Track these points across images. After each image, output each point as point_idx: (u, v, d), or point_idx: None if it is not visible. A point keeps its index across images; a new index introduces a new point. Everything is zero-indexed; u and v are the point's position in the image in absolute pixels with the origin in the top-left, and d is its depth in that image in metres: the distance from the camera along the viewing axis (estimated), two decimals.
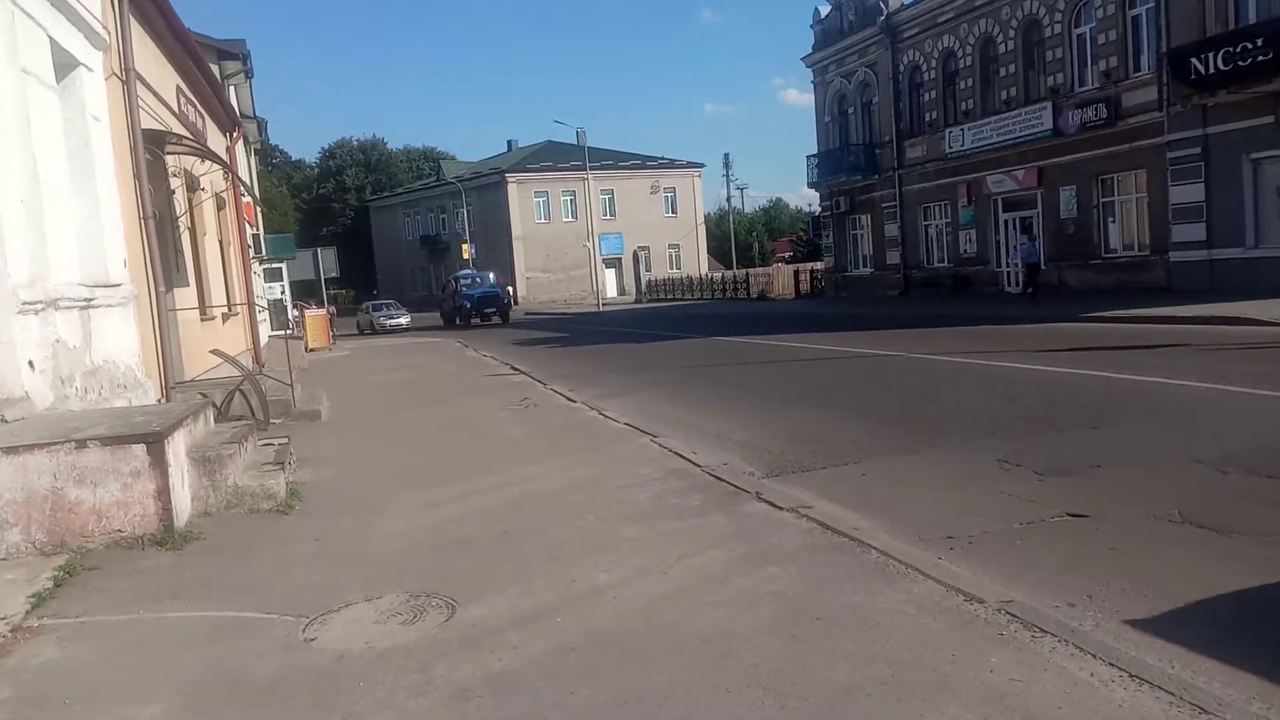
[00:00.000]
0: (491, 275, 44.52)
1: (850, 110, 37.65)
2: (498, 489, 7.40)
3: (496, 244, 65.58)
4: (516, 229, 65.98)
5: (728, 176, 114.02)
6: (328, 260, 28.53)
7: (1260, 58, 19.21)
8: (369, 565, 5.48)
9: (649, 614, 4.40)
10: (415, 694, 3.71)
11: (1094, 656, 3.57)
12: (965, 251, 31.85)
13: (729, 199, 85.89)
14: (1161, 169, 23.53)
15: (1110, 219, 26.36)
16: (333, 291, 63.09)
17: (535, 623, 4.37)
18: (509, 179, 66.60)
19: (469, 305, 40.78)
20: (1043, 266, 26.96)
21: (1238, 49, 19.81)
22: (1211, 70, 20.45)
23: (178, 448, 6.42)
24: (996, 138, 29.03)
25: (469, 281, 42.88)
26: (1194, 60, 20.88)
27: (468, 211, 66.58)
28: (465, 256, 56.67)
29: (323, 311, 29.48)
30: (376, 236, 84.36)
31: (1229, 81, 20.22)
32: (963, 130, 30.56)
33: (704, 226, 75.25)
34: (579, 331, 30.84)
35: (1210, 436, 7.50)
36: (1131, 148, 24.53)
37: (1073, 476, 6.61)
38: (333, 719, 3.56)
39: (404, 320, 44.44)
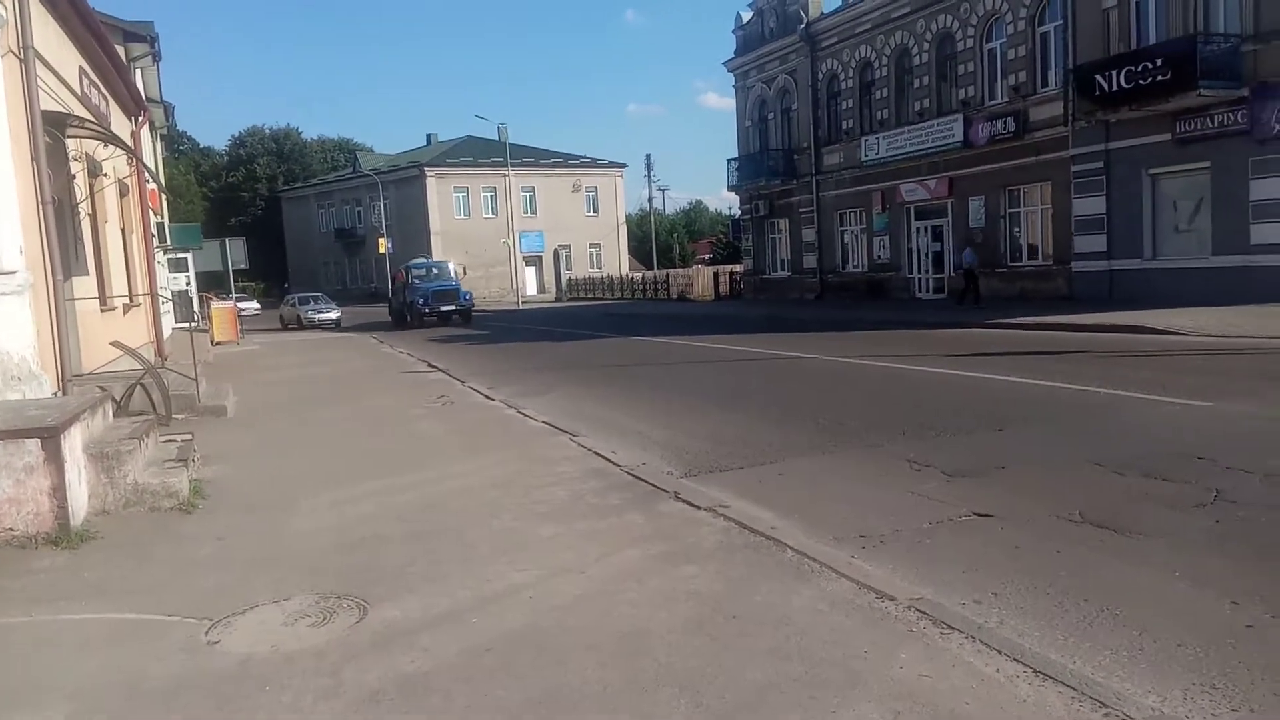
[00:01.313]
0: (452, 266, 36.97)
1: (770, 115, 38.15)
2: (412, 488, 7.28)
3: (414, 239, 64.50)
4: (435, 224, 65.03)
5: (649, 177, 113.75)
6: (236, 251, 27.72)
7: (1160, 77, 20.10)
8: (276, 566, 5.33)
9: (565, 613, 4.37)
10: (324, 697, 3.61)
11: (999, 652, 3.68)
12: (879, 257, 32.56)
13: (650, 200, 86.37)
14: (1066, 182, 24.42)
15: (1016, 229, 27.25)
16: (242, 284, 61.33)
17: (449, 623, 4.31)
18: (428, 173, 65.65)
19: (422, 302, 33.31)
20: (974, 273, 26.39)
21: (1139, 68, 20.68)
22: (1114, 88, 21.30)
23: (74, 443, 6.14)
24: (910, 147, 29.75)
25: (422, 273, 35.88)
26: (1098, 77, 21.73)
27: (385, 205, 65.37)
28: (381, 251, 55.62)
29: (230, 304, 28.58)
30: (289, 228, 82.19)
31: (1130, 99, 21.09)
32: (878, 139, 31.25)
33: (625, 226, 75.38)
34: (498, 329, 30.58)
35: (1109, 440, 7.80)
36: (1038, 161, 25.40)
37: (979, 477, 6.80)
38: None
39: (334, 315, 40.02)
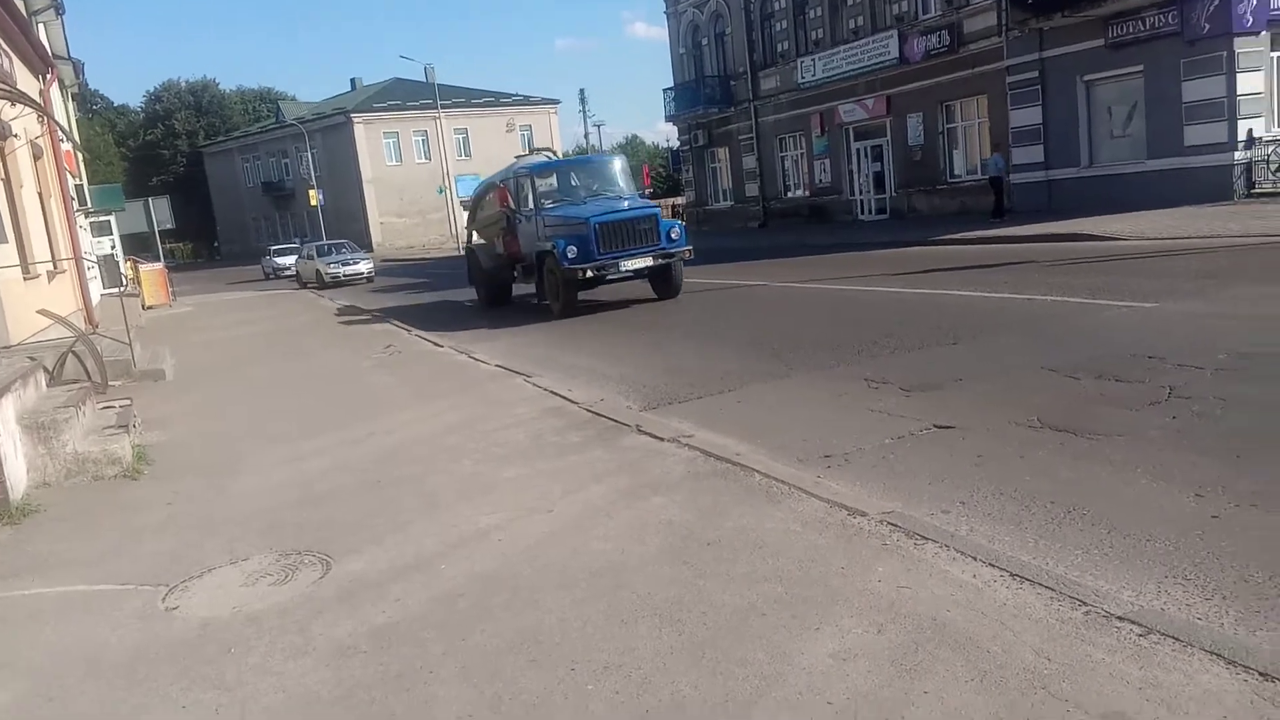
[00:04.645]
0: (619, 164, 16.61)
1: (704, 42, 37.51)
2: (366, 439, 7.11)
3: (346, 188, 62.89)
4: (366, 172, 63.36)
5: (584, 113, 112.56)
6: (161, 211, 26.58)
7: None
8: (231, 526, 5.17)
9: (536, 553, 4.29)
10: (293, 656, 3.50)
11: (974, 559, 3.67)
12: (820, 181, 32.46)
13: (586, 136, 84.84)
14: (1002, 94, 24.41)
15: (954, 145, 27.30)
16: (169, 245, 59.38)
17: (418, 572, 4.21)
18: (355, 119, 63.70)
19: (576, 252, 13.75)
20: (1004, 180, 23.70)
21: None
22: None
23: (6, 415, 5.87)
24: (846, 67, 29.48)
25: (552, 183, 15.83)
26: None
27: (312, 155, 63.43)
28: (313, 203, 54.03)
29: (159, 266, 27.65)
30: (213, 184, 79.58)
31: (1063, 5, 21.01)
32: (814, 60, 30.91)
33: None
34: (439, 276, 30.04)
35: (1060, 346, 7.86)
36: (973, 74, 25.34)
37: (937, 391, 6.82)
38: (204, 689, 3.33)
39: (365, 267, 32.53)
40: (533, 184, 15.48)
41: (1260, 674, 2.68)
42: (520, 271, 16.42)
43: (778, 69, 33.42)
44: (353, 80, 75.58)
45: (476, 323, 14.75)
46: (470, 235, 19.32)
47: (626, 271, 13.98)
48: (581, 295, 14.50)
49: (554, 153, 19.47)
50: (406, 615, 3.76)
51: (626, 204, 14.65)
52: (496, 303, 17.43)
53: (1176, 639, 2.91)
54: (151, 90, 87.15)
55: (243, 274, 46.86)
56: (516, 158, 18.34)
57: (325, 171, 63.53)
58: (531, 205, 15.31)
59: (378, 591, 4.02)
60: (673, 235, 14.19)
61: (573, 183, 15.73)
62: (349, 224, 59.11)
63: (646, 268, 14.18)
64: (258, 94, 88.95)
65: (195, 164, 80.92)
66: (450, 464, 6.05)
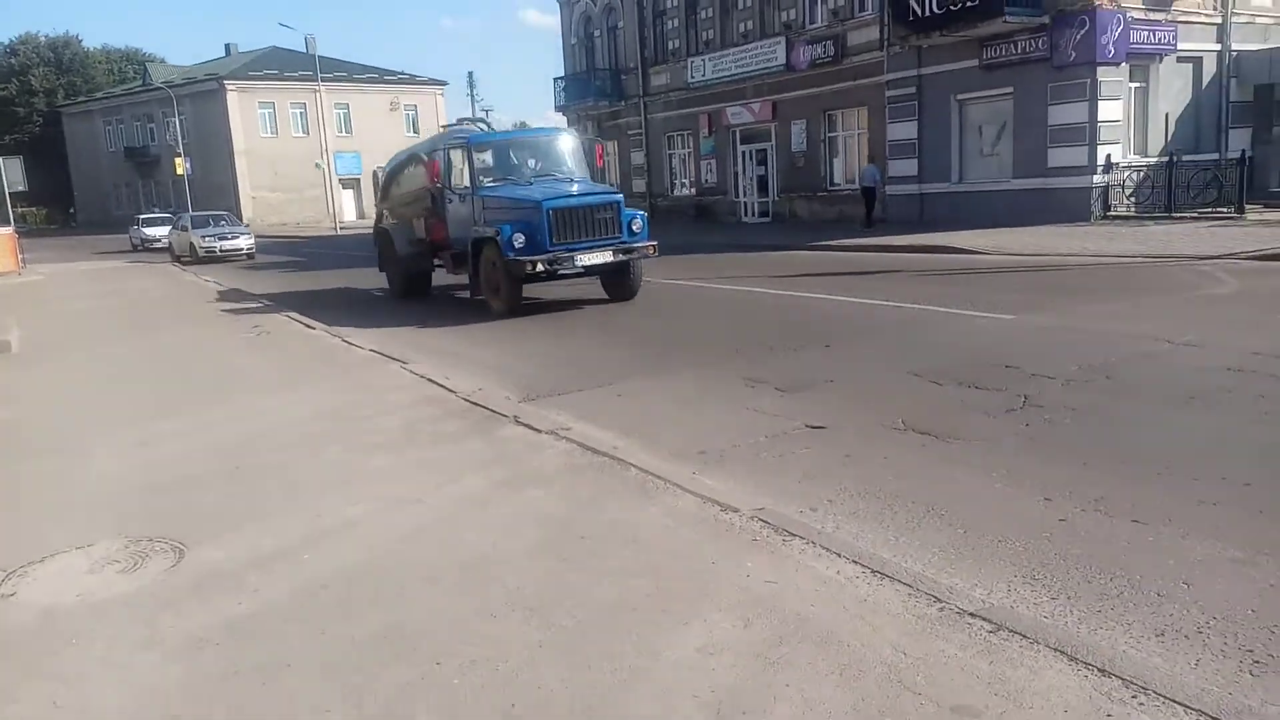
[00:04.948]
0: (568, 143, 14.34)
1: (596, 34, 37.45)
2: (229, 423, 6.82)
3: (216, 159, 60.04)
4: (239, 143, 60.63)
5: (472, 96, 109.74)
6: (12, 172, 24.89)
7: (969, 3, 20.91)
8: (76, 510, 4.88)
9: (406, 545, 4.20)
10: (141, 648, 3.33)
11: (838, 555, 3.78)
12: (707, 181, 32.88)
13: (475, 119, 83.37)
14: (881, 107, 25.22)
15: (835, 154, 28.07)
16: (21, 209, 55.57)
17: (279, 562, 4.06)
18: (228, 86, 60.89)
19: (522, 240, 11.78)
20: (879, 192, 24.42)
21: None
22: (927, 13, 22.02)
23: None
24: (735, 70, 29.94)
25: (490, 160, 13.48)
26: (912, 2, 22.39)
27: (180, 121, 60.33)
28: (179, 172, 51.39)
29: (9, 230, 25.84)
30: (71, 147, 74.83)
31: (941, 24, 21.86)
32: (704, 60, 31.26)
33: None
34: (315, 255, 29.13)
35: (925, 352, 8.18)
36: (855, 85, 26.09)
37: (810, 391, 7.00)
38: (42, 681, 3.13)
39: (245, 243, 29.87)
40: (469, 158, 13.23)
41: (1100, 670, 2.84)
42: (449, 261, 14.05)
43: (669, 66, 33.65)
44: (227, 46, 72.29)
45: (350, 306, 14.32)
46: (380, 214, 17.00)
47: (581, 267, 12.08)
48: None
49: (488, 125, 16.41)
50: (265, 607, 3.62)
51: (577, 188, 12.82)
52: (412, 294, 15.14)
53: (1024, 636, 3.06)
54: (6, 43, 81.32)
55: (108, 243, 44.13)
56: (443, 127, 16.00)
57: (194, 140, 60.58)
58: (467, 183, 13.15)
59: (234, 582, 3.85)
60: (634, 227, 12.44)
61: (513, 160, 13.55)
62: (218, 196, 56.50)
63: (605, 264, 12.24)
64: (124, 54, 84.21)
65: (53, 124, 75.96)
66: (318, 451, 5.86)
